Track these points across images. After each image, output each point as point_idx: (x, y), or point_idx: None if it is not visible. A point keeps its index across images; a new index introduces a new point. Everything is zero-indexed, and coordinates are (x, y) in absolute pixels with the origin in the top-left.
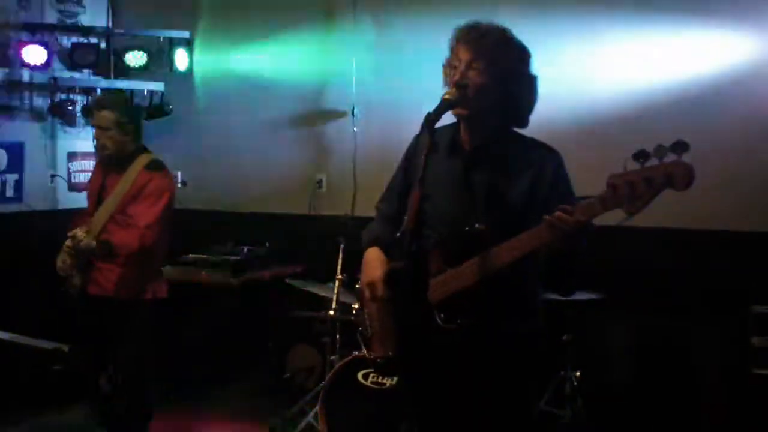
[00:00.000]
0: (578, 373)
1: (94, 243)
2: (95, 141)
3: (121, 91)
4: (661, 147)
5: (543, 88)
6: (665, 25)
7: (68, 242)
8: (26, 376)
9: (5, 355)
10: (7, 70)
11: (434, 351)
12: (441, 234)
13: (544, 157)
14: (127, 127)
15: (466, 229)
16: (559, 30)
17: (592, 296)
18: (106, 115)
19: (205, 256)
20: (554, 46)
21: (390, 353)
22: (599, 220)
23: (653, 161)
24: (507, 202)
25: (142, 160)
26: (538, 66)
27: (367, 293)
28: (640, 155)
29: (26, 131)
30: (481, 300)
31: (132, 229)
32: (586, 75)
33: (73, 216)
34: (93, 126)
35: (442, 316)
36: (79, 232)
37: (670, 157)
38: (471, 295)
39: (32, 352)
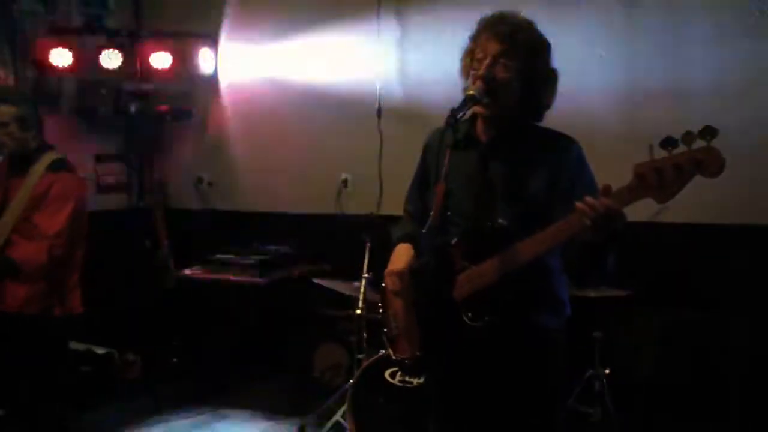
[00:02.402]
0: (608, 371)
1: None
2: None
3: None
4: (689, 133)
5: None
6: None
7: None
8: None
9: None
10: (34, 73)
11: (460, 348)
12: (463, 230)
13: (563, 147)
14: (28, 122)
15: (489, 224)
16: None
17: (622, 293)
18: (5, 110)
19: (231, 256)
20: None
21: (417, 353)
22: (630, 216)
23: (681, 148)
24: (526, 194)
25: (45, 160)
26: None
27: (389, 283)
28: (668, 142)
29: (54, 134)
30: (506, 296)
31: (38, 241)
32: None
33: None
34: None
35: (469, 314)
36: None
37: (699, 144)
38: (497, 292)
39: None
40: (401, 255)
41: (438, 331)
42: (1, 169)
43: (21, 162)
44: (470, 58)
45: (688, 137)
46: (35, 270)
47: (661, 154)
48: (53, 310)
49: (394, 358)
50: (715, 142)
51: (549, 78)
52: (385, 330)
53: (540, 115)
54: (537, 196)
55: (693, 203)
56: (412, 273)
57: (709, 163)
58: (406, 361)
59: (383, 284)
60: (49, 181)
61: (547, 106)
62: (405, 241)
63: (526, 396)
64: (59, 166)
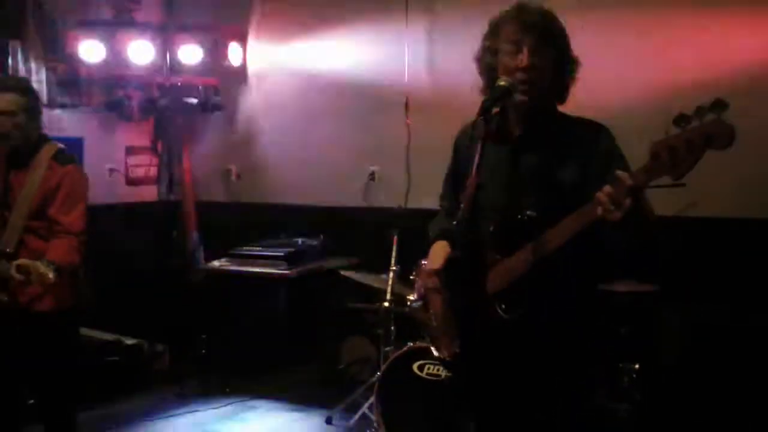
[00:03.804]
0: (636, 366)
1: (52, 276)
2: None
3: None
4: (701, 108)
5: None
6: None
7: (18, 276)
8: (84, 365)
9: None
10: (65, 66)
11: (494, 341)
12: (494, 223)
13: (594, 135)
14: (35, 112)
15: (519, 217)
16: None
17: (650, 288)
18: (12, 99)
19: (259, 248)
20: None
21: (456, 350)
22: (659, 211)
23: (695, 123)
24: (556, 185)
25: (47, 152)
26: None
27: (428, 283)
28: (681, 119)
29: (85, 126)
30: (537, 288)
31: (65, 239)
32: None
33: None
34: None
35: (502, 306)
36: (41, 267)
37: (710, 117)
38: (528, 284)
39: (91, 343)
40: (438, 253)
41: (474, 325)
42: (0, 161)
43: (21, 155)
44: (494, 51)
45: (699, 112)
46: (69, 271)
47: (674, 131)
48: (64, 304)
49: (438, 356)
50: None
51: (572, 61)
52: (426, 328)
53: (563, 97)
54: (566, 187)
55: (721, 197)
56: (446, 268)
57: (719, 136)
58: (448, 359)
59: (412, 276)
60: (60, 175)
61: (568, 90)
62: (441, 239)
63: (556, 389)
64: (67, 159)
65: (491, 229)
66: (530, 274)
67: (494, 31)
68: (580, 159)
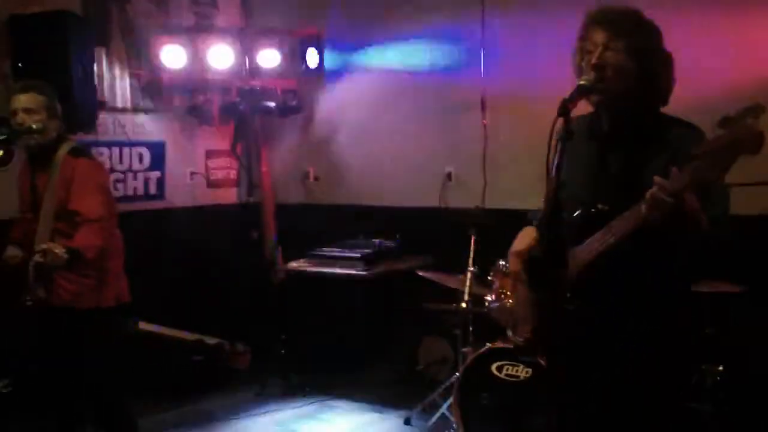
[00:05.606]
0: (721, 368)
1: (65, 255)
2: (15, 128)
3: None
4: (740, 111)
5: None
6: None
7: (38, 257)
8: (168, 365)
9: (150, 345)
10: (147, 72)
11: (566, 333)
12: (573, 215)
13: (682, 135)
14: (55, 111)
15: (592, 210)
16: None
17: (737, 288)
18: (35, 98)
19: (337, 249)
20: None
21: (529, 336)
22: (743, 210)
23: (733, 127)
24: (638, 186)
25: (65, 147)
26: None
27: (510, 264)
28: (725, 122)
29: (167, 130)
30: (599, 281)
31: (86, 226)
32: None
33: (13, 224)
34: (15, 111)
35: (568, 296)
36: (56, 248)
37: (748, 121)
38: (592, 277)
39: (175, 343)
40: (524, 236)
41: (549, 314)
42: (24, 171)
43: (42, 156)
44: (581, 53)
45: (740, 114)
46: (95, 254)
47: (720, 132)
48: (106, 301)
49: (510, 338)
50: None
51: (664, 59)
52: (506, 310)
53: (661, 97)
54: (649, 186)
55: None
56: (530, 258)
57: (748, 143)
58: (521, 342)
59: (490, 278)
60: (72, 165)
61: (666, 88)
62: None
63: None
64: (79, 152)
65: (570, 220)
66: (596, 266)
67: (581, 32)
68: (665, 160)
